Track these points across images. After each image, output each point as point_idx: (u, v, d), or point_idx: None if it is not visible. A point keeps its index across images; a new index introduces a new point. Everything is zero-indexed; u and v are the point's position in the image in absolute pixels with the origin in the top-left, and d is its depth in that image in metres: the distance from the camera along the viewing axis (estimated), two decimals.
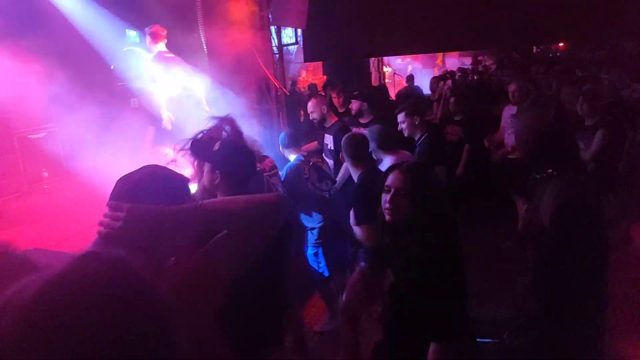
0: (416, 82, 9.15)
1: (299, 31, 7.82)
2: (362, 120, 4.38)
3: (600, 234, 1.77)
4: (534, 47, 12.31)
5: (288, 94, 6.46)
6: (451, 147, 5.05)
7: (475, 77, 10.13)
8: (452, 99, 5.35)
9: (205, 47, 5.57)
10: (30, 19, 5.29)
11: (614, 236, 3.27)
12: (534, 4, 6.53)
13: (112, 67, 6.51)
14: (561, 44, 11.87)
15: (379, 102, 6.05)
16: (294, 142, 3.45)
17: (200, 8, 5.92)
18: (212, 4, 5.86)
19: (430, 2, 7.09)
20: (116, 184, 1.19)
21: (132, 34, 6.98)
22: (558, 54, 12.45)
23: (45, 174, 5.65)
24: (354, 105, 4.37)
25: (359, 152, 2.95)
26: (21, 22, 5.08)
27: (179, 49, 5.00)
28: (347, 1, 7.56)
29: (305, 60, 8.38)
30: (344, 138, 3.04)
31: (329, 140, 4.03)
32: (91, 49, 5.88)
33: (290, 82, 9.22)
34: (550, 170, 1.78)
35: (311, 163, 3.27)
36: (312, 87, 9.20)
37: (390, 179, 1.81)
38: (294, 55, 10.30)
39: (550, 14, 6.52)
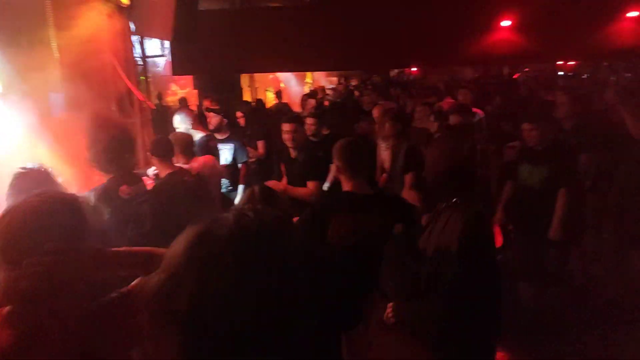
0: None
1: (167, 43, 7.52)
2: (219, 136, 4.38)
3: (494, 260, 2.03)
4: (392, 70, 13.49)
5: (153, 107, 6.12)
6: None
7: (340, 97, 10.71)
8: (309, 120, 5.50)
9: (57, 55, 5.03)
10: None
11: None
12: (391, 32, 7.15)
13: None
14: (414, 69, 13.22)
15: (258, 117, 6.06)
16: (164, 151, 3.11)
17: (51, 13, 5.36)
18: (65, 9, 5.33)
19: (299, 22, 7.36)
20: None
21: None
22: (411, 78, 13.79)
23: None
24: (214, 119, 4.35)
25: None
26: None
27: (27, 57, 4.44)
28: (218, 16, 7.49)
29: (174, 74, 8.08)
30: None
31: None
32: None
33: (157, 95, 8.79)
34: (455, 200, 2.00)
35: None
36: (182, 100, 8.89)
37: None
38: (162, 68, 9.86)
39: (404, 42, 7.20)
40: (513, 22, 6.90)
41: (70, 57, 4.59)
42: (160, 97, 9.07)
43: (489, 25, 7.01)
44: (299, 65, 8.67)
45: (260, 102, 9.42)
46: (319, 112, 5.33)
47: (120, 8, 5.62)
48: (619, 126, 3.64)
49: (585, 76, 10.72)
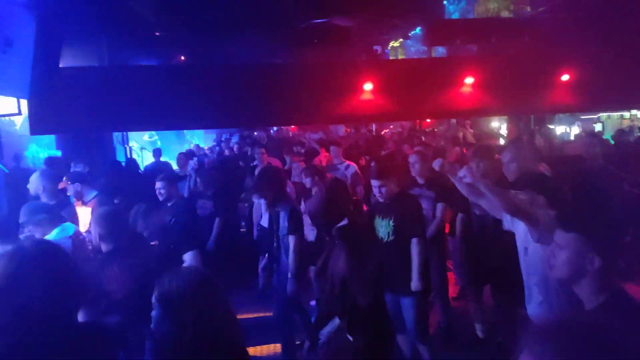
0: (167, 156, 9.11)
1: (24, 101, 6.92)
2: (85, 200, 4.23)
3: None
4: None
5: (7, 171, 5.53)
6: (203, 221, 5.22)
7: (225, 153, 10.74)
8: (198, 178, 5.58)
9: None
10: None
11: None
12: (268, 91, 7.47)
13: None
14: (293, 127, 13.85)
15: (129, 176, 5.82)
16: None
17: None
18: None
19: (173, 80, 7.33)
20: None
21: None
22: (290, 134, 14.39)
23: None
24: (71, 188, 4.17)
25: None
26: None
27: None
28: (83, 74, 7.16)
29: (32, 134, 7.40)
30: None
31: None
32: None
33: (13, 157, 7.93)
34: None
35: None
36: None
37: None
38: (19, 126, 9.00)
39: (280, 101, 7.56)
40: (374, 85, 7.67)
41: None
42: (18, 158, 8.18)
43: (354, 88, 7.71)
44: (173, 124, 8.53)
45: (133, 161, 9.01)
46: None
47: None
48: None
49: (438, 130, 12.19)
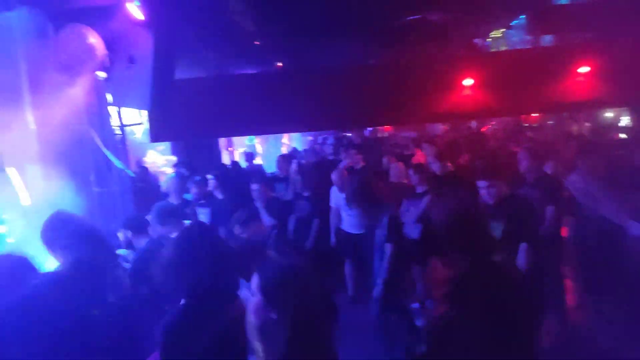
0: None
1: (144, 111, 7.69)
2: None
3: None
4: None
5: (133, 175, 6.16)
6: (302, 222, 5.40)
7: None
8: (299, 177, 5.76)
9: (34, 126, 5.08)
10: None
11: None
12: (364, 92, 7.49)
13: None
14: (387, 127, 13.70)
15: (234, 178, 6.18)
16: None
17: (28, 84, 5.50)
18: (41, 82, 5.48)
19: (270, 86, 7.67)
20: None
21: None
22: (386, 134, 14.24)
23: None
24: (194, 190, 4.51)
25: None
26: None
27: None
28: (192, 85, 7.75)
29: (152, 141, 8.19)
30: None
31: None
32: None
33: (135, 162, 8.82)
34: None
35: None
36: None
37: None
38: (139, 135, 9.96)
39: (376, 102, 7.53)
40: (475, 80, 7.33)
41: (47, 130, 4.67)
42: (139, 164, 9.10)
43: (454, 84, 7.43)
44: (274, 128, 8.91)
45: (237, 164, 9.55)
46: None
47: (97, 81, 5.80)
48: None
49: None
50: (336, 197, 5.71)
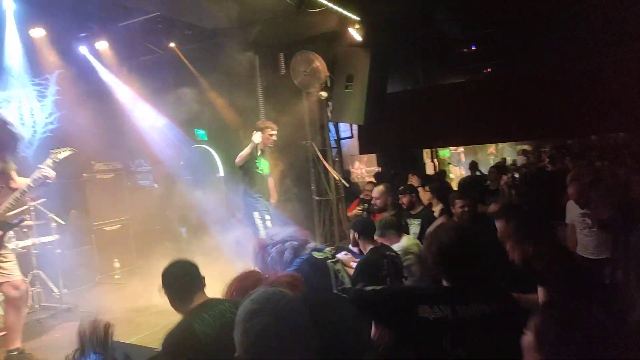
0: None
1: (354, 125, 8.17)
2: (413, 212, 4.47)
3: None
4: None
5: (348, 185, 6.61)
6: None
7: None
8: (513, 191, 5.34)
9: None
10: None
11: None
12: (581, 97, 6.56)
13: (181, 163, 7.01)
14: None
15: (441, 187, 6.08)
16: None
17: (263, 105, 6.49)
18: (275, 103, 6.37)
19: (477, 94, 7.31)
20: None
21: (200, 132, 7.58)
22: (619, 142, 12.14)
23: (117, 265, 5.91)
24: (405, 199, 4.50)
25: None
26: None
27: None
28: (401, 97, 7.93)
29: (361, 153, 8.66)
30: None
31: None
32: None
33: (345, 173, 9.45)
34: None
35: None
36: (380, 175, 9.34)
37: None
38: (347, 147, 10.64)
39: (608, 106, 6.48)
40: None
41: (278, 142, 5.38)
42: (347, 174, 9.73)
43: None
44: (480, 138, 8.48)
45: (442, 173, 9.38)
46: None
47: (320, 101, 6.45)
48: None
49: None
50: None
